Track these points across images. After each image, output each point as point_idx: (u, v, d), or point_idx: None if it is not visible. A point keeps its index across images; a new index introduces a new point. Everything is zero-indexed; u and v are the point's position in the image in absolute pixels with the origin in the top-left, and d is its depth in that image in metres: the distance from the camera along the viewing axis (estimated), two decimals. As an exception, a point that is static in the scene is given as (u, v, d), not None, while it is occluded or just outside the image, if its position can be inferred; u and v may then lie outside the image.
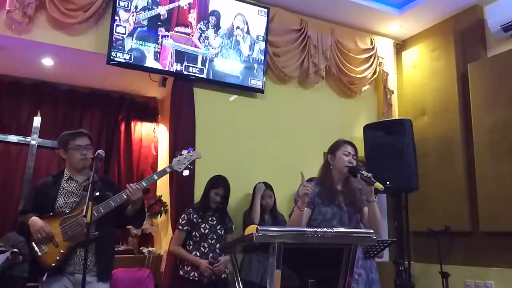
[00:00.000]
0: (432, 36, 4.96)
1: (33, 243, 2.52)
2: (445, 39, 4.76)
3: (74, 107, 4.55)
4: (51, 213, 2.60)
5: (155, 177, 2.76)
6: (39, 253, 2.51)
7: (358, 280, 2.50)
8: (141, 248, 4.15)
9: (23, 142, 4.26)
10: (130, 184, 2.65)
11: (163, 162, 4.59)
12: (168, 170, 2.79)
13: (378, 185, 2.47)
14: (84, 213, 2.32)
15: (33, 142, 4.26)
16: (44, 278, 2.50)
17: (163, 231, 4.21)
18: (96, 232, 2.57)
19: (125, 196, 2.61)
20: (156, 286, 3.79)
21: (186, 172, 2.88)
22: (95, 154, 2.57)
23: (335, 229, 2.00)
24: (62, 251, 2.52)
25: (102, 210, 2.56)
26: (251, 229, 2.57)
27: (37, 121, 4.31)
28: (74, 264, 2.56)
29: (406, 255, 4.12)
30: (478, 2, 4.55)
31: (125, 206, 2.71)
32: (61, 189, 2.69)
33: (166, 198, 4.13)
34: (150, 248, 4.14)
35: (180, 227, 3.45)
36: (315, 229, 1.92)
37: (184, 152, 2.85)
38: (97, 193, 2.54)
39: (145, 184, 2.69)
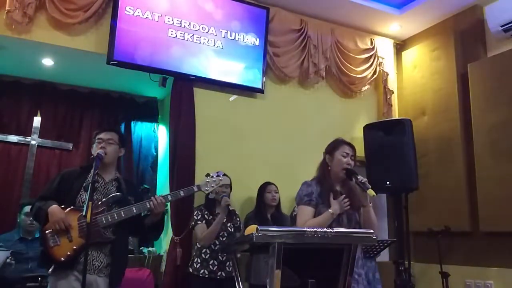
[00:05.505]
0: (432, 36, 4.97)
1: (47, 232, 2.43)
2: (445, 39, 4.75)
3: (74, 107, 4.55)
4: (72, 206, 2.50)
5: (181, 193, 2.71)
6: (51, 244, 2.42)
7: (358, 280, 2.50)
8: (141, 248, 4.15)
9: (23, 142, 4.26)
10: (155, 196, 2.60)
11: (163, 162, 4.59)
12: (195, 189, 2.76)
13: (371, 192, 2.47)
14: (84, 213, 2.31)
15: (33, 142, 4.26)
16: (50, 270, 2.44)
17: (163, 231, 4.19)
18: (112, 235, 2.51)
19: (148, 206, 2.56)
20: (156, 286, 3.78)
21: (212, 195, 2.95)
22: (95, 154, 2.56)
23: (335, 229, 2.00)
24: (74, 247, 2.43)
25: (123, 215, 2.50)
26: (251, 229, 2.57)
27: (37, 121, 4.32)
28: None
29: (406, 255, 4.12)
30: (478, 2, 4.55)
31: (143, 216, 2.67)
32: (86, 184, 2.60)
33: (166, 198, 4.12)
34: (150, 248, 4.14)
35: (199, 222, 3.46)
36: (315, 229, 1.92)
37: (214, 174, 2.82)
38: (119, 194, 2.57)
39: (170, 198, 2.68)
